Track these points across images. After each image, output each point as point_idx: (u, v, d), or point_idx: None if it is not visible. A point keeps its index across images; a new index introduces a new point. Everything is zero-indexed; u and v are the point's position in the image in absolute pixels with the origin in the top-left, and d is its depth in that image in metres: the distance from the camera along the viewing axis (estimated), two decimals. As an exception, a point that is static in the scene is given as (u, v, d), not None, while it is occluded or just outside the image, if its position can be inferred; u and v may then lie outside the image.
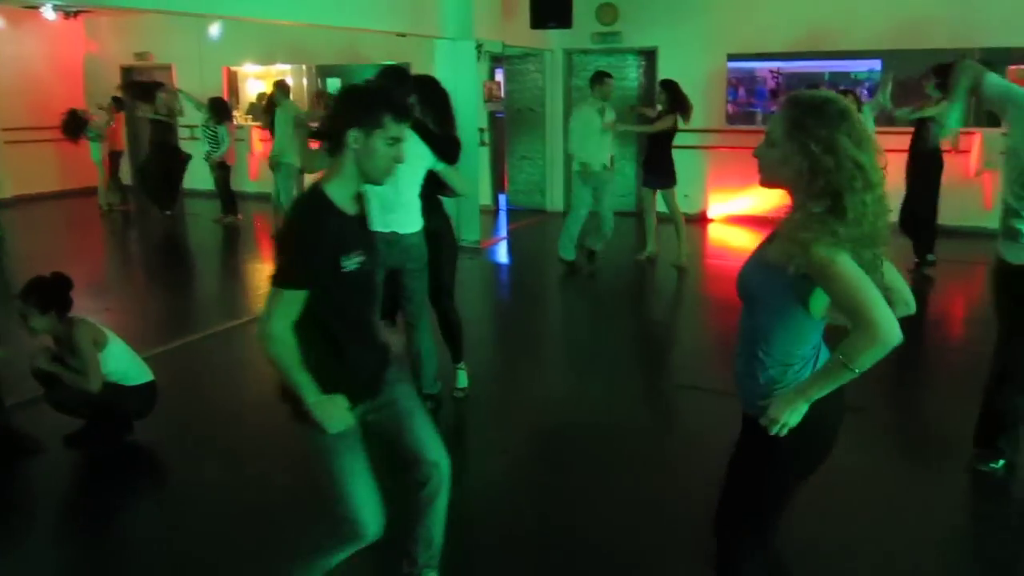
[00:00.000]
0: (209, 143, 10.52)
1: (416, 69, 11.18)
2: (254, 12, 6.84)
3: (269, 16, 7.06)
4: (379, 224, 3.90)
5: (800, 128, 1.92)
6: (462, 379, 4.84)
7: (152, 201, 11.24)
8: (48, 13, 11.72)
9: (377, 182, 2.35)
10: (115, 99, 11.81)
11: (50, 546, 3.52)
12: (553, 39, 10.74)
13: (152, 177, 11.06)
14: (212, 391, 5.17)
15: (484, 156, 11.14)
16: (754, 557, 2.26)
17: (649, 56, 10.87)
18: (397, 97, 2.38)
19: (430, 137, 4.15)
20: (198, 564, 3.22)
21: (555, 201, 11.59)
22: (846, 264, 1.88)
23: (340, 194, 2.33)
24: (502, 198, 12.08)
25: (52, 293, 4.00)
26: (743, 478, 2.24)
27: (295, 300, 2.26)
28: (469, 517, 3.38)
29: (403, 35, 8.57)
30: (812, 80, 9.85)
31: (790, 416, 2.02)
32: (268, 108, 10.07)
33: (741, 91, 10.36)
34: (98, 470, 4.08)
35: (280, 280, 2.26)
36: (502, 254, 9.45)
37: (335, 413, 2.33)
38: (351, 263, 2.30)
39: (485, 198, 11.13)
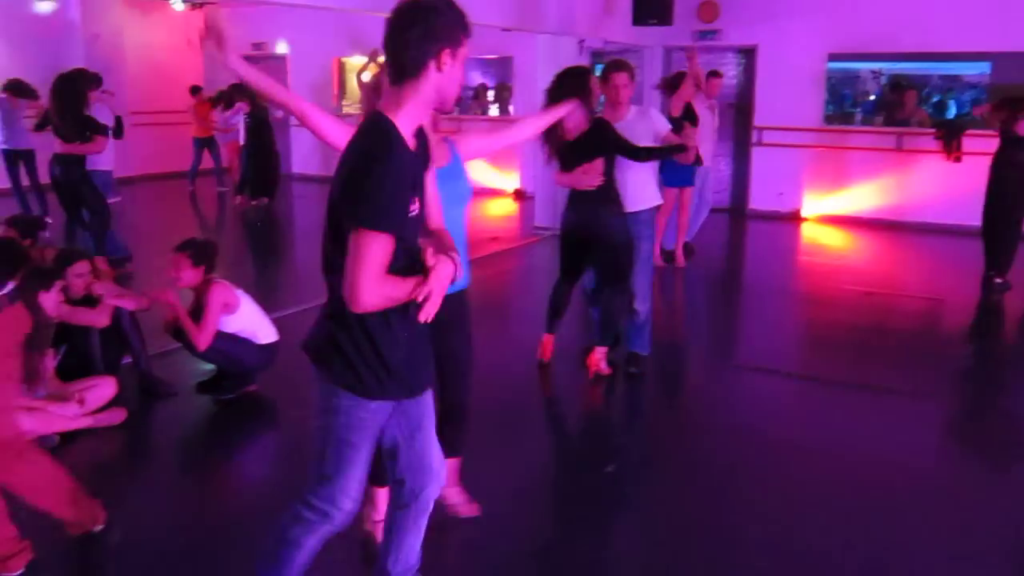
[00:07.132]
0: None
1: (518, 64, 11.58)
2: (361, 3, 7.20)
3: (376, 9, 7.41)
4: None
5: None
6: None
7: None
8: (177, 4, 12.53)
9: (448, 109, 2.12)
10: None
11: (178, 476, 3.98)
12: (653, 36, 10.89)
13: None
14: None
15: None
16: None
17: (749, 54, 10.93)
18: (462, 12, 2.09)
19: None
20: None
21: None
22: None
23: (407, 126, 2.06)
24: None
25: (205, 251, 4.50)
26: None
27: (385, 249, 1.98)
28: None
29: (508, 30, 8.89)
30: (918, 83, 9.78)
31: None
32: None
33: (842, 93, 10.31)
34: (223, 413, 4.54)
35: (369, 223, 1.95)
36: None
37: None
38: (413, 209, 2.06)
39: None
